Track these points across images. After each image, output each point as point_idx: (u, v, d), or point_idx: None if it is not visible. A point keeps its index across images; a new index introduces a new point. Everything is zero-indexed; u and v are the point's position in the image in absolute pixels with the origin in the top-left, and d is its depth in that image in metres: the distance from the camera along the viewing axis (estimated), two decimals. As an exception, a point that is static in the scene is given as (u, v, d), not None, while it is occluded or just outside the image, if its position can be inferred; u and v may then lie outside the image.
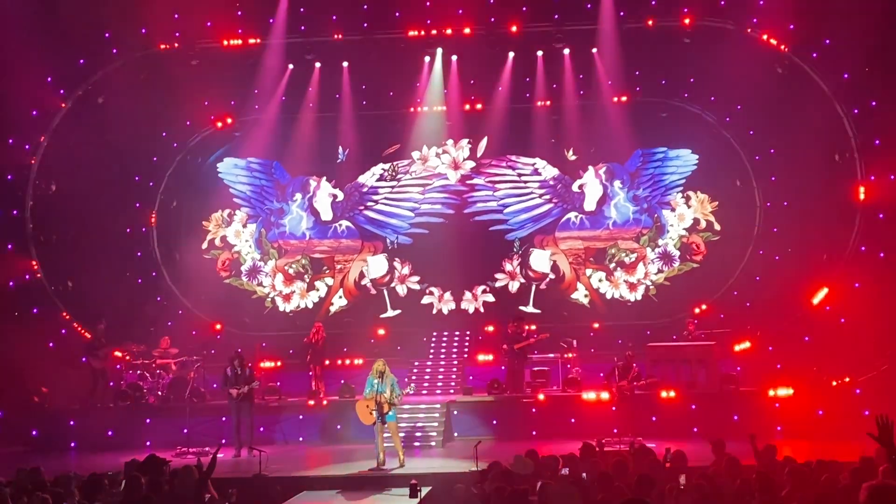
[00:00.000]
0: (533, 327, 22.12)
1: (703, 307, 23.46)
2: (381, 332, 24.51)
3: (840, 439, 16.17)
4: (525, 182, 25.37)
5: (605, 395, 19.34)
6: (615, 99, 23.91)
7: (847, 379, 19.19)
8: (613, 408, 18.72)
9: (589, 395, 19.58)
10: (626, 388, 18.45)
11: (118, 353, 21.50)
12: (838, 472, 9.90)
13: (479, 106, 24.82)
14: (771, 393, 19.14)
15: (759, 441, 11.99)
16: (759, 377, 20.03)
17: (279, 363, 22.93)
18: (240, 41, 22.71)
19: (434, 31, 22.81)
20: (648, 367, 20.68)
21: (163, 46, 22.55)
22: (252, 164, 25.90)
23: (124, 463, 12.28)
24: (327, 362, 21.98)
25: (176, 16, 21.87)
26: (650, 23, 22.07)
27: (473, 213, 25.34)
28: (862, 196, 20.42)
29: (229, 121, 25.00)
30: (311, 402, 20.41)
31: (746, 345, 21.72)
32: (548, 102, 24.28)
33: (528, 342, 20.85)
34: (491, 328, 23.92)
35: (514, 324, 21.26)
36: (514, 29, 22.56)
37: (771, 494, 8.84)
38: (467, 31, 22.71)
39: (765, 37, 21.40)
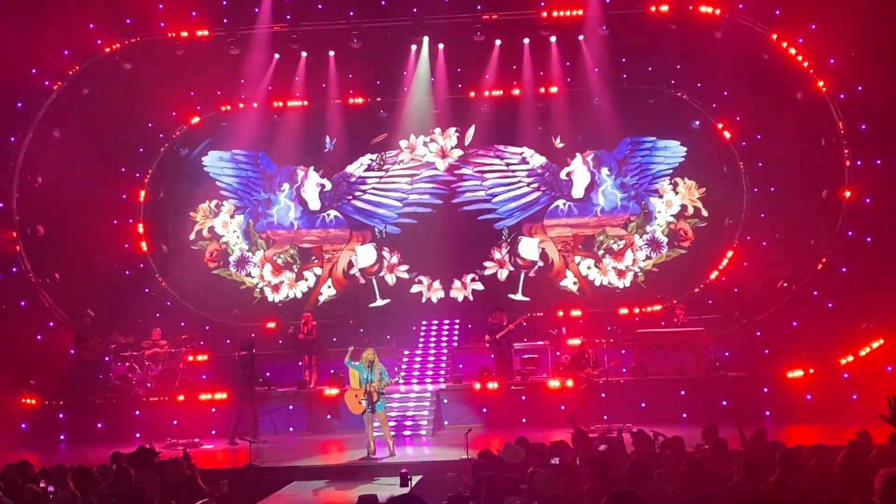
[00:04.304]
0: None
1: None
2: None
3: (828, 423, 16.30)
4: (513, 171, 25.34)
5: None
6: (602, 86, 23.87)
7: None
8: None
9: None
10: (592, 374, 18.44)
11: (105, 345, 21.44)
12: (828, 456, 9.93)
13: (466, 94, 24.75)
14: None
15: (748, 426, 12.05)
16: (748, 363, 20.12)
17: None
18: (224, 31, 22.60)
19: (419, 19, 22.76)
20: (637, 354, 20.75)
21: (147, 37, 22.40)
22: (237, 156, 25.79)
23: (110, 455, 12.24)
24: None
25: (160, 6, 21.75)
26: (636, 9, 22.04)
27: (462, 203, 25.31)
28: (848, 181, 20.48)
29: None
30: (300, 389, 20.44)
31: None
32: (535, 90, 24.23)
33: (508, 329, 20.81)
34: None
35: (496, 314, 21.20)
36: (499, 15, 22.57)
37: (758, 480, 8.87)
38: (453, 19, 22.66)
39: (751, 22, 21.40)
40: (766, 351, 20.61)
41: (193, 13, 22.14)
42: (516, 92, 24.39)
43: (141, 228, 24.86)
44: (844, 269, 20.47)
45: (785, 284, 21.93)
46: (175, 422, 18.65)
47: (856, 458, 9.07)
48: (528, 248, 25.11)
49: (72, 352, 20.94)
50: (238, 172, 25.86)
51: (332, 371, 20.91)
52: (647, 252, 24.88)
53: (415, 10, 22.47)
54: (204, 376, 21.49)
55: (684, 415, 18.10)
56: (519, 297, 24.79)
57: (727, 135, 23.82)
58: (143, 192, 24.92)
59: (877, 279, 19.11)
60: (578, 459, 10.62)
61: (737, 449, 11.23)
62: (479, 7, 22.55)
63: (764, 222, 23.23)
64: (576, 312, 23.59)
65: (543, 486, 8.82)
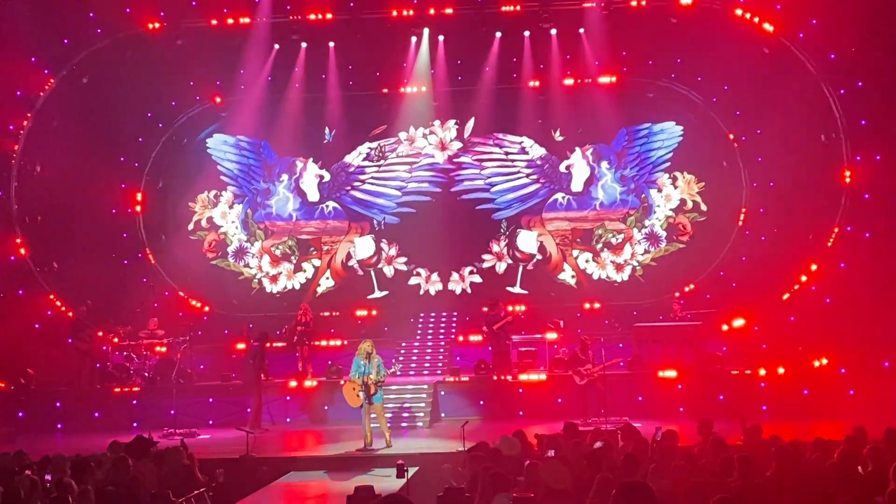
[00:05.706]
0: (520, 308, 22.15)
1: (692, 286, 23.54)
2: (373, 312, 24.50)
3: (825, 418, 16.32)
4: (512, 161, 25.33)
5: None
6: (603, 79, 23.83)
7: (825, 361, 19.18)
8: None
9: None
10: (593, 371, 18.43)
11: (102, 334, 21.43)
12: (826, 451, 9.96)
13: (465, 87, 24.67)
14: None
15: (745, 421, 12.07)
16: (745, 357, 20.11)
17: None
18: (225, 21, 22.52)
19: (420, 11, 22.67)
20: (635, 348, 20.74)
21: (147, 26, 22.33)
22: (241, 142, 25.78)
23: (108, 444, 12.28)
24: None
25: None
26: (637, 3, 21.99)
27: (461, 192, 25.30)
28: (848, 177, 20.47)
29: (218, 100, 24.84)
30: (293, 384, 20.39)
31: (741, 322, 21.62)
32: (535, 83, 24.21)
33: (506, 320, 20.74)
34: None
35: (494, 305, 21.17)
36: (501, 8, 22.45)
37: (753, 474, 8.88)
38: (453, 11, 22.56)
39: (751, 17, 21.36)
40: (763, 346, 20.61)
41: (193, 3, 22.09)
42: (517, 84, 24.31)
43: (139, 218, 24.83)
44: (843, 265, 20.45)
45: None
46: (172, 411, 18.65)
47: (852, 454, 9.10)
48: (527, 241, 25.11)
49: (69, 341, 20.94)
50: (240, 159, 25.84)
51: (329, 363, 20.94)
52: (645, 246, 24.88)
53: (415, 1, 22.41)
54: (202, 366, 21.49)
55: (681, 409, 18.11)
56: (517, 290, 24.79)
57: (726, 129, 23.81)
58: (142, 182, 24.89)
59: (875, 275, 19.10)
60: (570, 453, 10.64)
61: (734, 443, 11.24)
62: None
63: (762, 217, 23.21)
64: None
65: (551, 477, 8.86)
